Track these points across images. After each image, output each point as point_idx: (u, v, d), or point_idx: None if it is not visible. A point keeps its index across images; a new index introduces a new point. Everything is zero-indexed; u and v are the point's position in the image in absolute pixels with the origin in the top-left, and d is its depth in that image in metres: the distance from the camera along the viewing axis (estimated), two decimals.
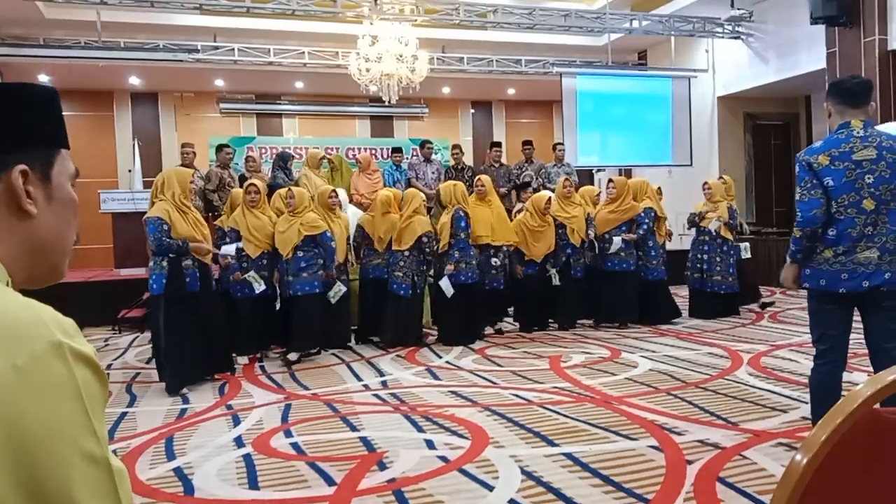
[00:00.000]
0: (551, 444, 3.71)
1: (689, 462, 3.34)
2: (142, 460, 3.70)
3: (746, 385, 4.81)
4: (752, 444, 3.57)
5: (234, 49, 10.39)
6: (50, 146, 0.91)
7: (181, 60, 10.09)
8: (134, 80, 12.11)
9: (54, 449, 0.72)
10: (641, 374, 5.28)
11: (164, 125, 13.05)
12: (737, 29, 10.80)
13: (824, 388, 3.17)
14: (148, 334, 7.79)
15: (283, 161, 8.97)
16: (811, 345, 3.34)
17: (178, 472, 3.52)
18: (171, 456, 3.77)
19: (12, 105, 0.87)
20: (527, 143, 10.25)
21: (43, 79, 11.41)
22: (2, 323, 0.73)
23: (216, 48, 10.35)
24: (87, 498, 0.73)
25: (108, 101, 12.71)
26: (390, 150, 10.77)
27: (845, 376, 3.28)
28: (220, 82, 12.56)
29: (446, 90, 13.62)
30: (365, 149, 13.31)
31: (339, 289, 6.33)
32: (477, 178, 7.31)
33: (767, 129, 11.87)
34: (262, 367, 5.96)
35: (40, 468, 0.71)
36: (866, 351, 3.24)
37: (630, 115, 11.59)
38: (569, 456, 3.50)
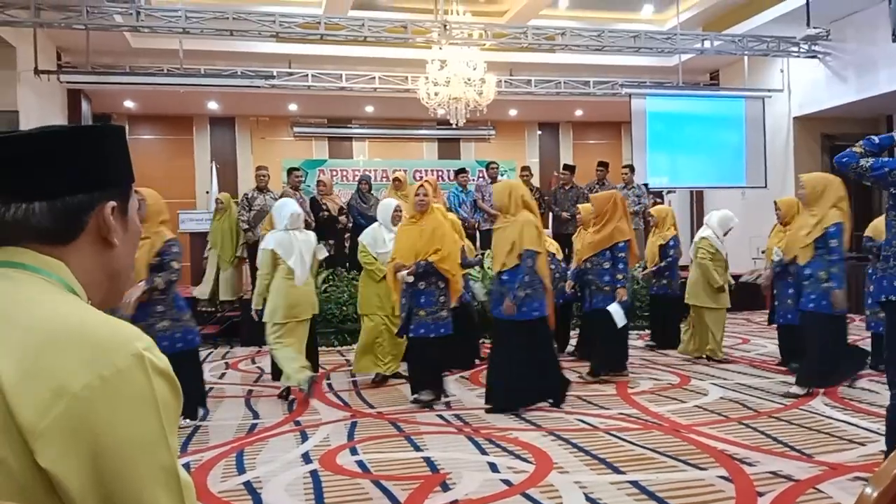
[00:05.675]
0: (617, 471, 3.66)
1: (761, 494, 3.25)
2: (213, 473, 3.82)
3: (822, 416, 4.64)
4: (828, 478, 3.44)
5: (307, 75, 10.73)
6: (127, 181, 0.98)
7: (258, 86, 10.46)
8: (212, 105, 12.62)
9: (133, 458, 0.77)
10: (711, 401, 5.15)
11: (241, 148, 13.51)
12: (813, 48, 10.49)
13: None
14: (221, 350, 8.05)
15: (366, 184, 9.20)
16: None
17: (247, 485, 3.62)
18: (241, 469, 3.88)
19: (98, 145, 0.93)
20: (602, 164, 10.05)
21: (128, 105, 12.03)
22: (90, 337, 0.80)
23: (291, 74, 10.72)
24: None
25: (187, 126, 13.24)
26: (454, 173, 10.85)
27: None
28: (293, 107, 12.96)
29: (513, 112, 13.67)
30: (432, 171, 13.45)
31: None
32: (420, 183, 5.60)
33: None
34: (329, 385, 6.07)
35: (118, 475, 0.76)
36: None
37: (702, 135, 11.37)
38: (635, 484, 3.45)
